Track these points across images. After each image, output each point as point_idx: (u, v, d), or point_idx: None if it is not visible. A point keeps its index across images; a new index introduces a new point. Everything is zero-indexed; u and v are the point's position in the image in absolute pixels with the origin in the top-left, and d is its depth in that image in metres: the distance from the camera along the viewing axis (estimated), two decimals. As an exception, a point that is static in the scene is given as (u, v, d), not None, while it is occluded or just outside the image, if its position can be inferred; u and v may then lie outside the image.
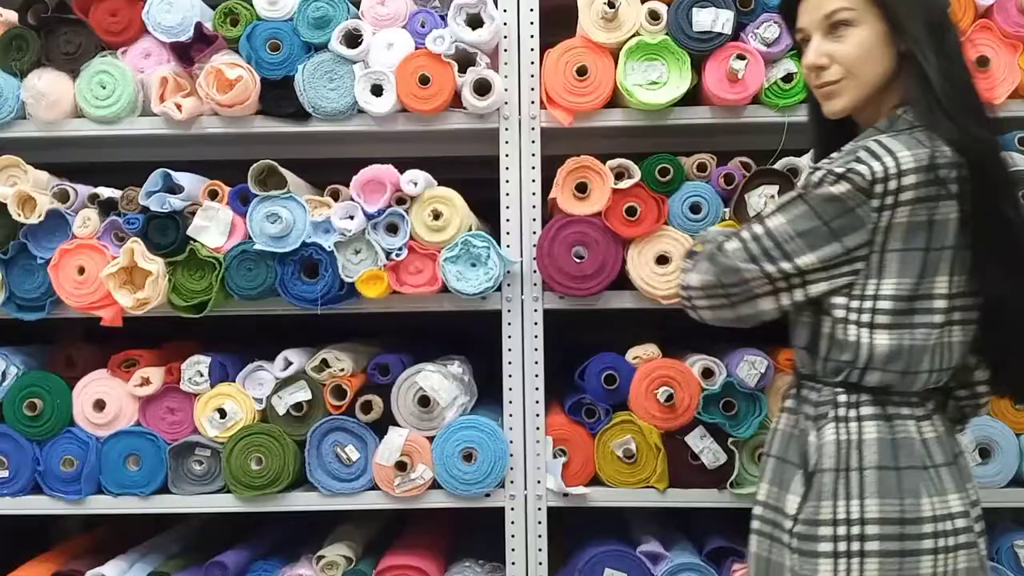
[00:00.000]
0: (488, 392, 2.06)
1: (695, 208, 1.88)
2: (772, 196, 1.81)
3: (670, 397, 1.86)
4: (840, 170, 1.27)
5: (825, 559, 1.30)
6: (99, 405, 1.93)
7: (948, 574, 1.30)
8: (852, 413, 1.33)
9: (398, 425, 1.91)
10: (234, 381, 1.94)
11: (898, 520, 1.29)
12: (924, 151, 1.27)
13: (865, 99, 1.36)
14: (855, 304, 1.31)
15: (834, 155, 1.34)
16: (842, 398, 1.34)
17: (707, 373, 1.90)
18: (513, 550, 1.92)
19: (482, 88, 1.91)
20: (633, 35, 1.90)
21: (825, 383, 1.36)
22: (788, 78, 1.90)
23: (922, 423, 1.34)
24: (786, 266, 1.30)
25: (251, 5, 1.93)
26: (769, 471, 1.42)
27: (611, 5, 1.86)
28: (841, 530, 1.30)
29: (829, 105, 1.38)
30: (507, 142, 1.95)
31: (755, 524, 1.42)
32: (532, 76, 1.95)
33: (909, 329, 1.30)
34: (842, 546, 1.30)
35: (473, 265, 1.88)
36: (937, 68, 1.29)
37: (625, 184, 1.86)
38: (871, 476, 1.30)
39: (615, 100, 1.95)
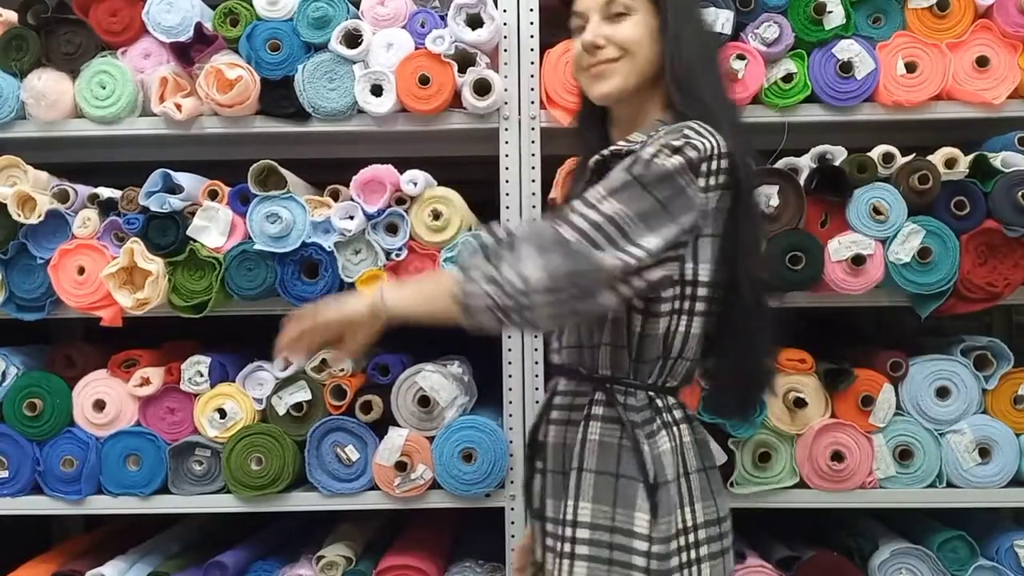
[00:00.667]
0: (488, 392, 2.06)
1: (695, 208, 1.88)
2: (771, 196, 1.81)
3: (670, 397, 1.85)
4: (677, 143, 1.22)
5: (676, 573, 1.25)
6: (99, 405, 1.93)
7: (727, 571, 1.32)
8: (669, 417, 1.31)
9: (398, 425, 1.91)
10: (234, 381, 1.94)
11: (716, 520, 1.30)
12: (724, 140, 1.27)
13: (634, 88, 1.34)
14: (679, 291, 1.27)
15: (635, 136, 1.33)
16: (659, 402, 1.31)
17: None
18: (513, 550, 1.91)
19: (482, 88, 1.91)
20: (633, 35, 1.90)
21: (637, 386, 1.30)
22: (788, 78, 1.90)
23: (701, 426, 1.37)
24: (637, 251, 1.18)
25: (251, 5, 1.93)
26: (588, 488, 1.28)
27: (611, 5, 1.86)
28: (681, 540, 1.26)
29: (601, 85, 1.35)
30: (507, 142, 1.95)
31: (582, 549, 1.27)
32: (532, 76, 1.95)
33: (705, 316, 1.31)
34: (685, 556, 1.26)
35: (473, 265, 1.87)
36: (686, 58, 1.32)
37: (625, 184, 1.86)
38: (695, 480, 1.29)
39: (615, 100, 1.95)
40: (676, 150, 1.22)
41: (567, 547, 1.27)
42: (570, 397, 1.35)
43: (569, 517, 1.28)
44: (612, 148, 1.32)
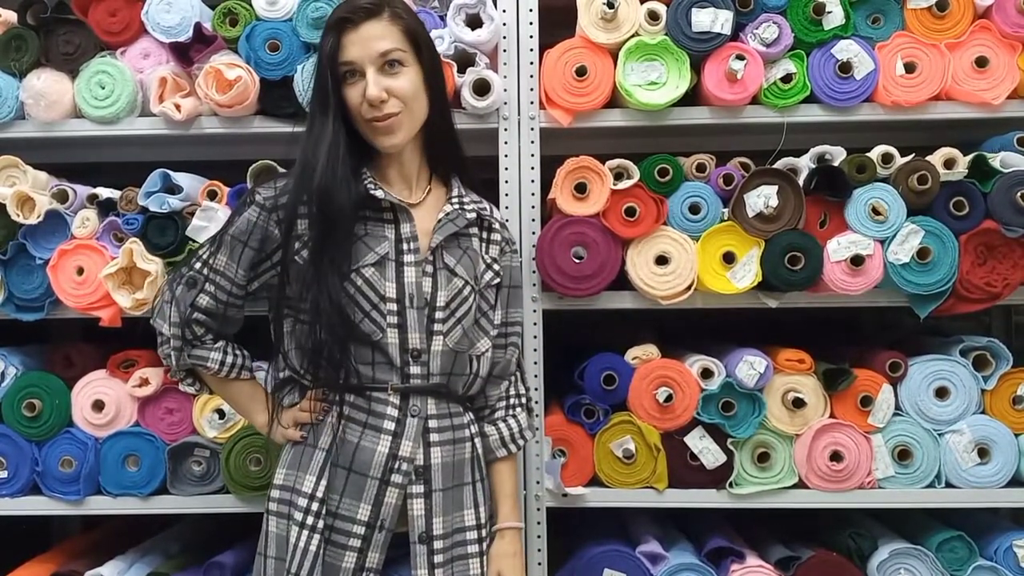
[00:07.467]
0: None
1: (694, 208, 1.88)
2: (770, 196, 1.82)
3: (669, 397, 1.86)
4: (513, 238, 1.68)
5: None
6: (98, 405, 1.93)
7: None
8: (476, 428, 1.57)
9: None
10: (233, 381, 1.94)
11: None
12: None
13: (412, 137, 1.50)
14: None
15: (486, 207, 1.63)
16: (470, 415, 1.56)
17: (706, 373, 1.90)
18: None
19: (481, 88, 1.91)
20: (632, 35, 1.90)
21: (463, 405, 1.54)
22: (787, 78, 1.90)
23: None
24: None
25: (250, 5, 1.93)
26: (486, 492, 1.55)
27: (610, 5, 1.86)
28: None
29: (388, 139, 1.47)
30: (506, 142, 1.95)
31: (487, 543, 1.53)
32: (531, 76, 1.95)
33: None
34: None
35: (472, 265, 1.87)
36: (446, 114, 1.56)
37: (624, 184, 1.86)
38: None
39: (614, 100, 1.96)
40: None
41: (484, 545, 1.52)
42: (448, 419, 1.50)
43: (483, 520, 1.53)
44: (477, 209, 1.58)
